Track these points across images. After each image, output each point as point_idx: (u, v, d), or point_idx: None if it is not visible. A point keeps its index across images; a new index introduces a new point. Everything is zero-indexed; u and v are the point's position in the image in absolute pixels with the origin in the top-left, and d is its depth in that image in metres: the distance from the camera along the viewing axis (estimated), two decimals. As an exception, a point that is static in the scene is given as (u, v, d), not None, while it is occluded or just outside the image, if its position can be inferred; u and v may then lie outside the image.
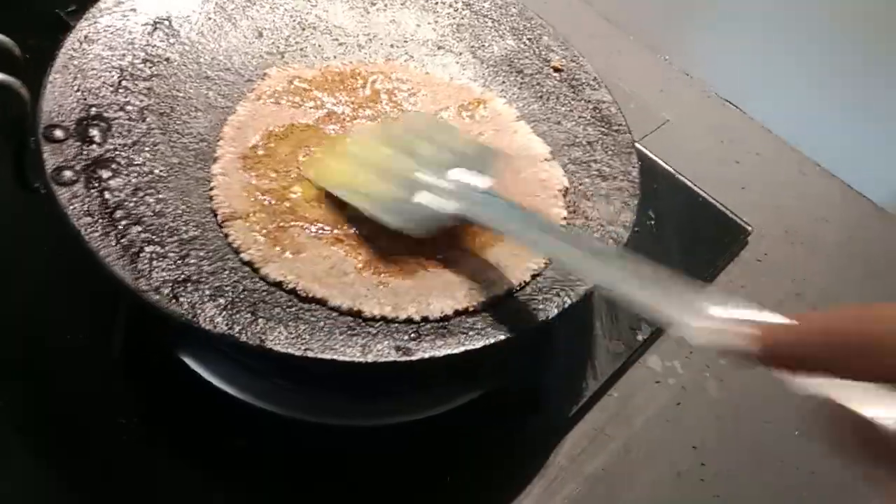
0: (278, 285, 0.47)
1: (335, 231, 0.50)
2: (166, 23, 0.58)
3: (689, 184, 0.73)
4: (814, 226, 0.74)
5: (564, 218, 0.55)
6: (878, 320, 0.30)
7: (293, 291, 0.47)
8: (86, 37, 0.54)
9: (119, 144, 0.50)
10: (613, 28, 0.89)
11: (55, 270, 0.56)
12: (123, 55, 0.55)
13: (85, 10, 0.56)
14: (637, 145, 0.60)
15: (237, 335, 0.43)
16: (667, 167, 0.74)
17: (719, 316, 0.35)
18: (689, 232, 0.70)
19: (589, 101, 0.62)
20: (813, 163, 0.79)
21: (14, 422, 0.50)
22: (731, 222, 0.71)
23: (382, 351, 0.44)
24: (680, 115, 0.80)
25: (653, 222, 0.68)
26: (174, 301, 0.43)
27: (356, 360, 0.43)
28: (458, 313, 0.47)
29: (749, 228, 0.71)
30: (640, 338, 0.61)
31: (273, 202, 0.51)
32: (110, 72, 0.53)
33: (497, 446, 0.54)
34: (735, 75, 0.89)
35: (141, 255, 0.45)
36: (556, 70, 0.64)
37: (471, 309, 0.47)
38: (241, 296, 0.45)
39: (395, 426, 0.53)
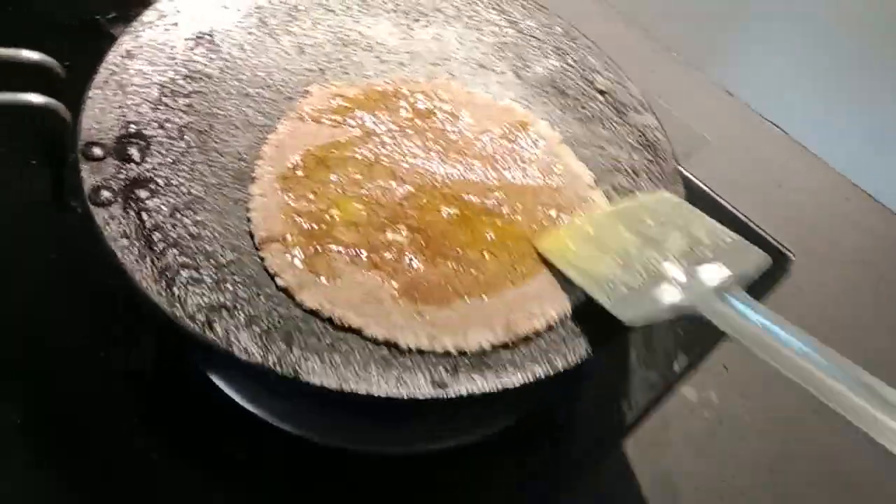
0: (313, 313, 0.46)
1: (372, 255, 0.50)
2: (208, 37, 0.57)
3: (729, 207, 0.71)
4: (858, 254, 0.72)
5: None
6: None
7: (328, 320, 0.46)
8: (127, 52, 0.53)
9: (157, 163, 0.50)
10: (653, 43, 0.87)
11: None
12: (164, 71, 0.54)
13: (125, 17, 0.56)
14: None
15: (272, 366, 0.42)
16: (706, 189, 0.72)
17: None
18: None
19: (634, 126, 0.60)
20: (857, 188, 0.77)
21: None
22: (772, 248, 0.69)
23: (419, 385, 0.43)
24: (720, 136, 0.78)
25: (692, 247, 0.67)
26: (209, 328, 0.43)
27: (391, 394, 0.43)
28: (495, 347, 0.46)
29: (791, 256, 0.69)
30: (676, 368, 0.60)
31: (311, 225, 0.50)
32: (150, 88, 0.53)
33: (528, 478, 0.53)
34: (778, 95, 0.87)
35: (177, 279, 0.44)
36: (601, 92, 0.62)
37: (510, 343, 0.47)
38: (277, 324, 0.45)
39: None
